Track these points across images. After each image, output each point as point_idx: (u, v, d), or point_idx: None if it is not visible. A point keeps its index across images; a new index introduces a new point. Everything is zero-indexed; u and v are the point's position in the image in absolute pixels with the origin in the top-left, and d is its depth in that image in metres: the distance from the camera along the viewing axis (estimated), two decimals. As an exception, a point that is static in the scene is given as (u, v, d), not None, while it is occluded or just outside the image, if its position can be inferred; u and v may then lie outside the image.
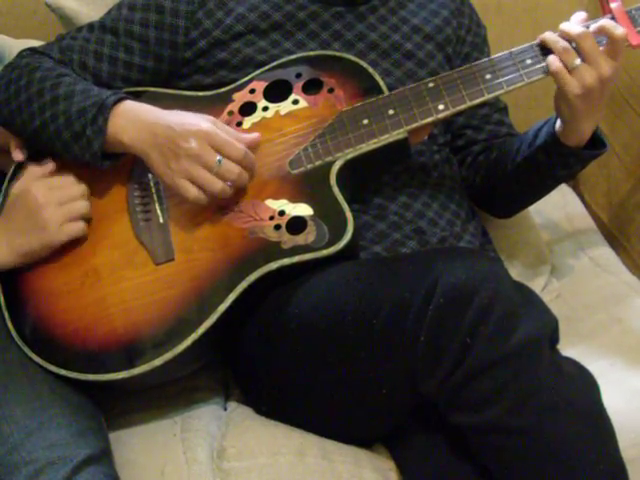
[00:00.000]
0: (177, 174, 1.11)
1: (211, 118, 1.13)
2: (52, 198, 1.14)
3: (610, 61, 1.13)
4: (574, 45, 1.13)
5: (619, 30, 1.12)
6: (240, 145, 1.12)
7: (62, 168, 1.20)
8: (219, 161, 1.10)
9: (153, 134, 1.12)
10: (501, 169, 1.33)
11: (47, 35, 1.43)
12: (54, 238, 1.13)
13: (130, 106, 1.16)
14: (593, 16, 1.18)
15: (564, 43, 1.13)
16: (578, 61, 1.12)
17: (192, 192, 1.11)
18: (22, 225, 1.13)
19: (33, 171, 1.20)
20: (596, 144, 1.23)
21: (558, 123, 1.22)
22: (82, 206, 1.16)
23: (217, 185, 1.11)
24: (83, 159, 1.16)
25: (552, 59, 1.14)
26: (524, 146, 1.28)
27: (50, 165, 1.20)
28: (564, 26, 1.15)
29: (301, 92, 1.22)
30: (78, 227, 1.15)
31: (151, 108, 1.15)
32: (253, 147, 1.17)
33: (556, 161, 1.24)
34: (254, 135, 1.17)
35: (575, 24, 1.15)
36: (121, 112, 1.15)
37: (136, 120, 1.14)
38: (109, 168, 1.18)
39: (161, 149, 1.11)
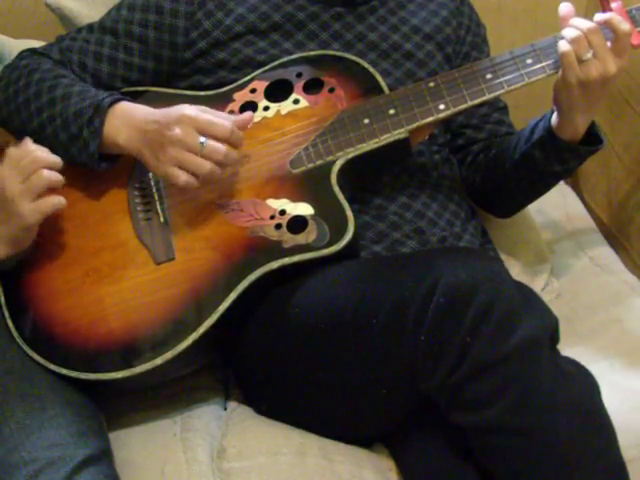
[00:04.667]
0: (166, 163, 1.10)
1: (198, 106, 1.12)
2: (14, 179, 1.08)
3: (616, 59, 1.13)
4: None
5: (624, 25, 1.12)
6: (226, 123, 1.11)
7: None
8: (202, 142, 1.09)
9: (143, 131, 1.12)
10: (500, 167, 1.33)
11: (47, 35, 1.43)
12: (28, 220, 1.09)
13: (125, 107, 1.16)
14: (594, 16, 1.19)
15: (578, 32, 1.13)
16: (590, 54, 1.12)
17: (182, 177, 1.10)
18: (1, 214, 1.10)
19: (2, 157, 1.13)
20: (592, 140, 1.23)
21: (554, 117, 1.22)
22: (40, 178, 1.08)
23: (205, 166, 1.10)
24: (80, 160, 1.16)
25: (564, 42, 1.13)
26: (521, 143, 1.28)
27: (13, 144, 1.14)
28: (574, 21, 1.14)
29: (302, 92, 1.22)
30: (49, 203, 1.09)
31: (144, 108, 1.15)
32: (245, 130, 1.15)
33: (552, 156, 1.24)
34: (245, 115, 1.16)
35: (584, 20, 1.14)
36: (117, 113, 1.15)
37: (129, 121, 1.14)
38: (110, 168, 1.18)
39: (150, 144, 1.11)
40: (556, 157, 1.24)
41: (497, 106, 1.41)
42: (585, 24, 1.13)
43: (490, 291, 0.95)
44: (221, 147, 1.10)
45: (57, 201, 1.10)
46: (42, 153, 1.10)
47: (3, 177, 1.09)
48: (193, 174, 1.10)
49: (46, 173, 1.08)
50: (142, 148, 1.12)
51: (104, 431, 1.10)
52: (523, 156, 1.27)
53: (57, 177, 1.09)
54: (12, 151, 1.11)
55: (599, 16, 1.14)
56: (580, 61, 1.13)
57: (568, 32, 1.14)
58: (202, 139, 1.09)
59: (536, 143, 1.24)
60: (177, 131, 1.09)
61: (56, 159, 1.10)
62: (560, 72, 1.16)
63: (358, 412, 1.10)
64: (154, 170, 1.13)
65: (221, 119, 1.11)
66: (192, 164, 1.10)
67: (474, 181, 1.39)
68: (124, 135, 1.13)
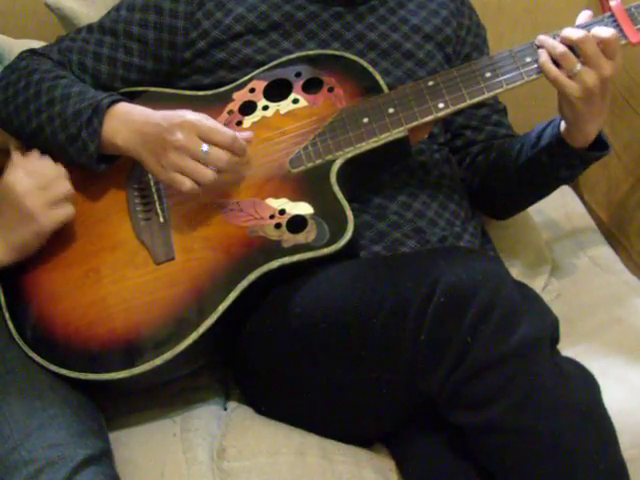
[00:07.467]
0: (169, 169, 1.10)
1: (200, 114, 1.12)
2: (31, 185, 1.10)
3: (609, 61, 1.12)
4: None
5: (606, 32, 1.11)
6: (229, 131, 1.11)
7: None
8: (205, 151, 1.09)
9: (143, 134, 1.12)
10: (502, 170, 1.32)
11: (47, 35, 1.43)
12: (44, 226, 1.10)
13: (124, 108, 1.16)
14: (594, 15, 1.19)
15: (563, 48, 1.12)
16: (579, 66, 1.12)
17: (187, 184, 1.10)
18: (11, 219, 1.11)
19: (14, 161, 1.15)
20: (598, 145, 1.23)
21: (563, 125, 1.21)
22: (62, 186, 1.11)
23: (208, 175, 1.10)
24: (79, 162, 1.16)
25: (549, 67, 1.13)
26: (526, 148, 1.27)
27: (29, 152, 1.16)
28: (565, 32, 1.14)
29: (301, 91, 1.22)
30: (65, 212, 1.12)
31: (143, 109, 1.15)
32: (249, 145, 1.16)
33: (560, 162, 1.24)
34: (247, 133, 1.16)
35: (575, 29, 1.14)
36: (116, 114, 1.15)
37: (129, 122, 1.14)
38: (109, 168, 1.18)
39: (151, 147, 1.11)
40: (564, 163, 1.24)
41: (497, 108, 1.41)
42: (575, 34, 1.12)
43: (490, 291, 0.95)
44: (224, 154, 1.10)
45: (72, 210, 1.13)
46: (62, 166, 1.14)
47: (15, 182, 1.10)
48: (195, 181, 1.10)
49: (68, 183, 1.12)
50: (142, 150, 1.12)
51: (104, 431, 1.10)
52: (529, 160, 1.26)
53: (72, 189, 1.13)
54: (30, 158, 1.14)
55: (575, 32, 1.12)
56: (571, 76, 1.12)
57: (553, 48, 1.13)
58: (205, 147, 1.09)
59: (544, 149, 1.24)
60: (179, 136, 1.09)
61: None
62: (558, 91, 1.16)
63: (358, 412, 1.10)
64: (157, 175, 1.13)
65: (223, 127, 1.11)
66: (195, 172, 1.10)
67: (472, 183, 1.38)
68: (123, 136, 1.13)
